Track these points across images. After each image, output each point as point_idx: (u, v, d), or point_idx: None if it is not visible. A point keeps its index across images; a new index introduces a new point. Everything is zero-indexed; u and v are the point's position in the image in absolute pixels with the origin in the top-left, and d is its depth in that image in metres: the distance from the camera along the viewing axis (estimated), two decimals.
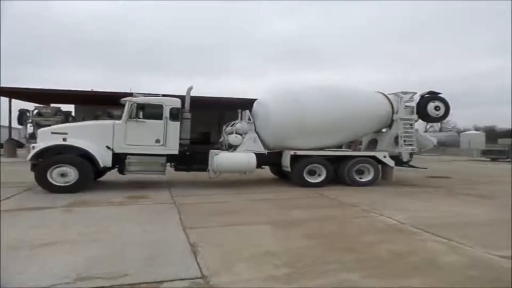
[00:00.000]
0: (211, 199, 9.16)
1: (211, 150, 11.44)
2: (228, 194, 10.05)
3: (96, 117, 19.51)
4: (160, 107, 10.73)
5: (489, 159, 32.37)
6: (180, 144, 11.22)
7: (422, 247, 5.37)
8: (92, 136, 10.18)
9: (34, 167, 9.74)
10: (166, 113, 10.71)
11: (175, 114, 10.84)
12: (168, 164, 11.18)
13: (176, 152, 10.83)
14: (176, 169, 11.53)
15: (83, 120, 20.12)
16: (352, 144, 15.17)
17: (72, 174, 9.56)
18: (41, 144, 9.75)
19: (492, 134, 55.50)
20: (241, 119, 12.57)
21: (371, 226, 6.51)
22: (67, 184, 9.51)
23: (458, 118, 64.30)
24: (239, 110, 12.67)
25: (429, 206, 8.74)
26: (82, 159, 9.73)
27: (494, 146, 36.34)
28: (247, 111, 12.47)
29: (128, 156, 10.34)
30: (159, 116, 10.68)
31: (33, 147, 9.73)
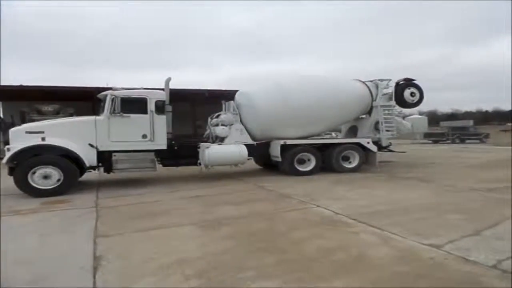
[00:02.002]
0: (141, 199, 7.56)
1: (202, 144, 10.49)
2: (162, 193, 8.43)
3: (22, 114, 17.17)
4: (144, 100, 9.56)
5: (431, 141, 31.02)
6: (172, 138, 10.56)
7: (354, 240, 4.58)
8: (72, 134, 8.81)
9: (12, 171, 8.23)
10: (151, 106, 9.56)
11: (160, 107, 9.79)
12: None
13: (164, 147, 9.83)
14: (164, 165, 10.49)
15: (12, 118, 18.06)
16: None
17: (55, 175, 8.22)
18: (17, 145, 8.17)
19: (434, 118, 55.06)
20: (225, 110, 11.53)
21: (304, 220, 5.63)
22: (52, 187, 8.17)
23: None
24: (223, 102, 11.60)
25: (367, 193, 7.75)
26: (65, 159, 8.41)
27: (435, 129, 34.90)
28: (232, 102, 11.45)
29: (114, 154, 9.27)
30: (144, 110, 9.49)
31: (8, 149, 8.18)
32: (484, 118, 79.31)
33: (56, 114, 18.07)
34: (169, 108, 10.89)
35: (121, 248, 4.47)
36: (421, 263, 3.82)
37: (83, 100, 19.19)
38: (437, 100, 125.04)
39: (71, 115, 18.65)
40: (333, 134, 14.74)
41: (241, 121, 11.35)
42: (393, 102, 12.65)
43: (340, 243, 4.50)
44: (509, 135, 27.01)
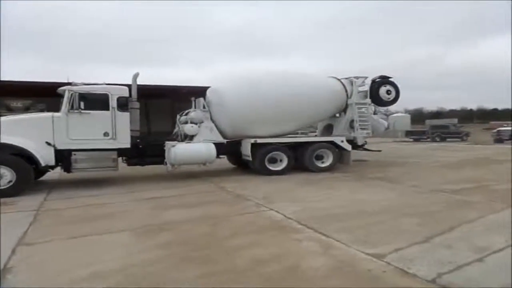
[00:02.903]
0: (90, 201, 7.03)
1: (167, 142, 9.90)
2: (116, 194, 7.86)
3: None
4: (106, 96, 8.97)
5: (412, 139, 30.91)
6: (130, 137, 10.07)
7: (294, 249, 4.18)
8: (27, 132, 8.19)
9: None
10: (113, 103, 8.99)
11: (123, 104, 9.23)
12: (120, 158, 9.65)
13: (127, 145, 9.26)
14: (129, 164, 9.98)
15: None
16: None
17: (7, 175, 7.70)
18: None
19: (421, 116, 55.85)
20: (195, 107, 10.98)
21: (251, 224, 5.23)
22: (3, 188, 7.63)
23: None
24: (193, 98, 11.00)
25: (330, 195, 7.37)
26: (18, 158, 7.86)
27: (418, 127, 35.21)
28: (201, 99, 10.91)
29: (73, 153, 8.60)
30: (105, 107, 8.93)
31: None
32: (469, 116, 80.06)
33: (25, 110, 16.88)
34: (136, 104, 10.41)
35: (40, 258, 4.04)
36: (356, 276, 3.45)
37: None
38: (424, 98, 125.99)
39: (41, 111, 17.77)
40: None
41: (211, 118, 10.90)
42: (368, 100, 12.29)
43: (278, 252, 4.11)
44: (488, 134, 26.90)
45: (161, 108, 18.94)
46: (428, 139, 29.99)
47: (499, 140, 24.85)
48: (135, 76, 10.58)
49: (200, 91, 11.77)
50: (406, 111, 71.52)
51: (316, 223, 5.23)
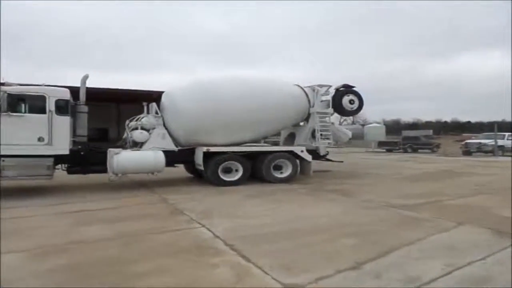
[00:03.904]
0: (6, 214, 6.21)
1: (110, 149, 9.21)
2: (38, 206, 7.07)
3: None
4: (42, 98, 8.27)
5: (384, 150, 31.26)
6: (76, 142, 9.26)
7: (204, 277, 3.61)
8: None
9: None
10: (51, 105, 8.30)
11: (62, 107, 8.49)
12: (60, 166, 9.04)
13: (65, 152, 8.54)
14: (69, 172, 9.25)
15: None
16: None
17: None
18: None
19: (398, 127, 57.84)
20: (148, 112, 10.31)
21: (170, 245, 4.66)
22: None
23: (369, 113, 65.17)
24: (145, 103, 10.33)
25: (275, 210, 6.88)
26: None
27: (392, 138, 35.95)
28: (154, 104, 10.26)
29: (2, 159, 7.86)
30: (41, 110, 8.24)
31: None
32: (443, 128, 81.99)
33: None
34: (84, 108, 9.80)
35: None
36: None
37: None
38: (401, 110, 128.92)
39: None
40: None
41: (164, 125, 10.28)
42: (330, 110, 11.95)
43: (186, 280, 3.56)
44: (458, 146, 27.25)
45: (136, 113, 18.21)
46: (401, 150, 30.16)
47: (467, 152, 25.14)
48: (84, 78, 9.95)
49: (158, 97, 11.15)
50: (384, 122, 73.31)
51: (244, 243, 4.72)
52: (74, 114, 9.52)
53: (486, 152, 23.74)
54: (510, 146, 24.70)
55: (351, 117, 72.59)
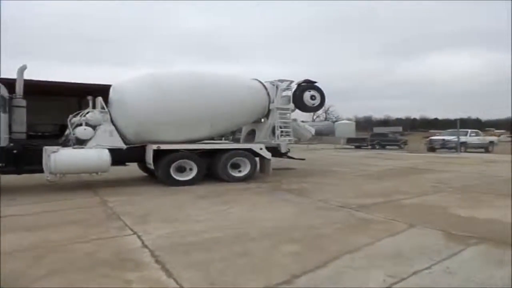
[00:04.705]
0: None
1: (46, 147, 8.38)
2: None
3: None
4: None
5: (353, 146, 31.44)
6: (12, 140, 8.46)
7: None
8: None
9: None
10: None
11: None
12: None
13: None
14: (2, 172, 8.43)
15: None
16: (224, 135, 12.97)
17: None
18: None
19: (369, 124, 60.26)
20: (94, 107, 9.57)
21: (87, 257, 4.06)
22: None
23: (342, 110, 66.90)
24: (89, 97, 9.58)
25: (222, 212, 6.37)
26: None
27: (363, 134, 36.83)
28: (99, 98, 9.50)
29: None
30: None
31: None
32: (412, 125, 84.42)
33: None
34: (21, 102, 8.98)
35: None
36: None
37: None
38: (373, 107, 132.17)
39: None
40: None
41: (112, 121, 9.54)
42: (291, 105, 11.57)
43: None
44: (423, 143, 27.73)
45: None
46: (369, 147, 30.42)
47: (431, 148, 25.58)
48: (22, 69, 9.12)
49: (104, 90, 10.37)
50: (356, 118, 74.81)
51: (173, 253, 4.20)
52: (9, 109, 8.73)
53: (449, 148, 24.22)
54: (473, 142, 25.35)
55: (323, 114, 74.24)
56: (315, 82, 11.91)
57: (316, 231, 5.15)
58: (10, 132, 8.61)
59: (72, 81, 15.32)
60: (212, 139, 11.39)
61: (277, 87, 11.45)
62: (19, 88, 8.99)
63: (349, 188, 8.99)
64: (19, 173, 8.61)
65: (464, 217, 5.98)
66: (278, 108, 11.22)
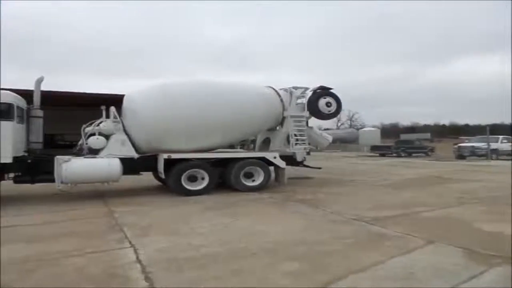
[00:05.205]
0: None
1: (57, 157, 8.41)
2: None
3: None
4: None
5: (377, 154, 30.37)
6: (30, 150, 8.66)
7: None
8: None
9: None
10: None
11: (4, 112, 7.81)
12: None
13: (8, 160, 7.80)
14: (16, 182, 8.50)
15: None
16: (245, 144, 12.71)
17: None
18: None
19: (395, 130, 59.02)
20: (107, 117, 9.50)
21: (79, 272, 3.87)
22: None
23: (367, 117, 65.20)
24: (103, 107, 9.50)
25: (227, 225, 6.08)
26: None
27: (389, 142, 35.53)
28: (112, 108, 9.46)
29: None
30: None
31: None
32: (442, 131, 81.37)
33: None
34: (39, 113, 9.19)
35: None
36: None
37: None
38: (399, 113, 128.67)
39: None
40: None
41: (125, 130, 9.54)
42: (306, 113, 11.23)
43: None
44: (452, 150, 26.54)
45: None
46: (394, 154, 29.42)
47: (460, 156, 24.42)
48: (39, 80, 9.29)
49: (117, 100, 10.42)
50: (383, 125, 73.02)
51: (166, 270, 3.98)
52: (27, 120, 8.94)
53: (479, 156, 23.02)
54: (505, 149, 24.00)
55: (348, 121, 72.91)
56: (331, 89, 11.53)
57: (322, 247, 4.80)
58: (28, 142, 8.78)
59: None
60: (232, 147, 11.19)
61: (291, 94, 11.17)
62: (36, 99, 9.15)
63: (366, 199, 8.53)
64: (33, 182, 8.68)
65: (490, 232, 5.45)
66: (292, 116, 10.92)
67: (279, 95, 11.00)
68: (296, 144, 10.90)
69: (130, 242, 5.07)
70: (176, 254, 4.55)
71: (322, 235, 5.43)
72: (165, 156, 9.22)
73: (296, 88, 11.24)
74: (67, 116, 14.95)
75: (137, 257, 4.42)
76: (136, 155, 9.42)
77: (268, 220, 6.50)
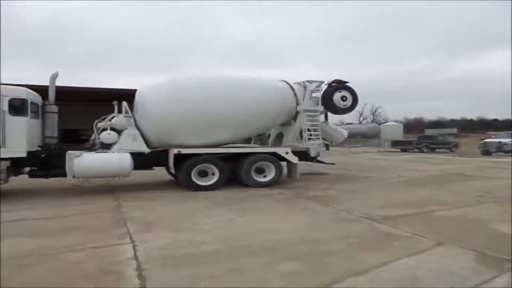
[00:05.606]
0: None
1: (69, 152, 8.52)
2: None
3: None
4: None
5: (398, 149, 29.62)
6: (45, 145, 8.84)
7: None
8: None
9: None
10: (4, 105, 7.82)
11: (18, 107, 7.98)
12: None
13: (22, 154, 8.00)
14: (31, 176, 8.72)
15: None
16: (262, 138, 12.52)
17: None
18: None
19: (420, 125, 57.88)
20: (119, 112, 9.56)
21: (75, 268, 3.88)
22: None
23: (391, 112, 63.59)
24: (115, 102, 9.56)
25: (232, 221, 6.01)
26: None
27: (412, 137, 34.51)
28: (124, 103, 9.49)
29: None
30: None
31: None
32: (469, 126, 78.47)
33: None
34: (53, 108, 9.34)
35: None
36: None
37: None
38: (424, 108, 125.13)
39: None
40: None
41: (136, 125, 9.60)
42: (320, 107, 10.98)
43: None
44: (475, 145, 25.55)
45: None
46: (415, 150, 28.61)
47: (486, 152, 23.46)
48: (54, 76, 9.42)
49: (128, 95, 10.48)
50: (407, 120, 71.19)
51: (162, 267, 3.93)
52: (43, 115, 9.13)
53: (506, 152, 22.04)
54: None
55: (371, 116, 71.46)
56: (347, 82, 11.22)
57: (325, 247, 4.64)
58: (43, 137, 8.96)
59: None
60: (249, 141, 11.06)
61: (305, 88, 10.93)
62: (51, 94, 9.30)
63: (379, 197, 8.27)
64: (47, 176, 8.87)
65: (506, 234, 5.13)
66: (306, 110, 10.70)
67: (293, 89, 10.79)
68: (309, 139, 10.69)
69: (131, 238, 5.07)
70: (174, 250, 4.51)
71: (327, 233, 5.27)
72: (175, 151, 9.21)
73: (310, 81, 10.98)
74: (86, 111, 15.21)
75: (135, 254, 4.40)
76: (147, 150, 9.47)
77: (275, 217, 6.39)
